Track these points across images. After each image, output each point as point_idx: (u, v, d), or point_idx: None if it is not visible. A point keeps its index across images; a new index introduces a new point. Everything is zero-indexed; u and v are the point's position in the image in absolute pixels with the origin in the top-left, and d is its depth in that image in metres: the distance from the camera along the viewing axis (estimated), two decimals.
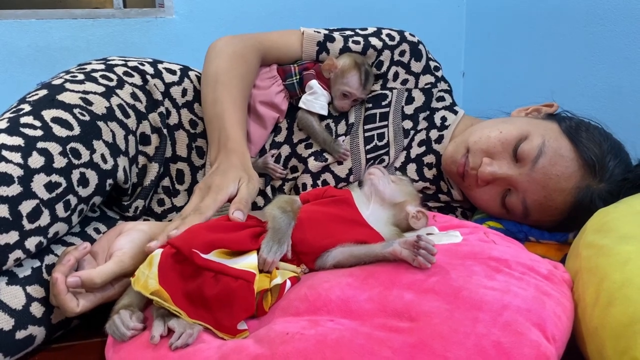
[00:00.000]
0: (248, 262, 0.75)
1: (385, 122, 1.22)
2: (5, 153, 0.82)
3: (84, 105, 0.95)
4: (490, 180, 1.10)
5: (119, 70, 1.08)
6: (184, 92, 1.15)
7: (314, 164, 1.19)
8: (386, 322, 0.67)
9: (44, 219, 0.83)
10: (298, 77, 1.20)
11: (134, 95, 1.06)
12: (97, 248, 0.87)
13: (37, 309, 0.83)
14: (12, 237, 0.79)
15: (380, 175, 0.93)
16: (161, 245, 0.78)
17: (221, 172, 0.94)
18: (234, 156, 0.98)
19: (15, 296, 0.81)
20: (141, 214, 1.10)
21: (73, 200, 0.88)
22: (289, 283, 0.78)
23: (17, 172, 0.81)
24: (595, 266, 0.77)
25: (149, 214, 1.13)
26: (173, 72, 1.16)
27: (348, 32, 1.25)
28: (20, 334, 0.80)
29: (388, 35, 1.25)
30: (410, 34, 1.27)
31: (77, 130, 0.91)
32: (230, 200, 0.91)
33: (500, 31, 2.16)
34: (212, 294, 0.71)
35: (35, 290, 0.83)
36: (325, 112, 1.20)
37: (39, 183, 0.83)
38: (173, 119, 1.13)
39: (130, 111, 1.03)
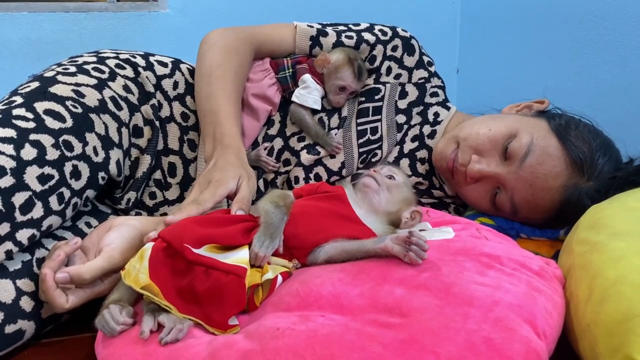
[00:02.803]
0: (239, 257, 0.75)
1: (379, 116, 1.22)
2: None
3: (76, 97, 0.95)
4: (478, 177, 1.11)
5: (111, 63, 1.07)
6: (176, 85, 1.15)
7: (306, 157, 1.18)
8: (377, 318, 0.67)
9: (37, 212, 0.83)
10: (291, 70, 1.20)
11: (126, 88, 1.05)
12: (87, 243, 0.87)
13: (26, 303, 0.82)
14: (4, 228, 0.79)
15: (375, 189, 0.91)
16: (153, 239, 0.78)
17: (220, 168, 0.94)
18: (230, 152, 0.98)
19: (5, 290, 0.80)
20: (133, 206, 1.10)
21: (66, 193, 0.88)
22: (280, 278, 0.78)
23: (9, 164, 0.81)
24: (589, 262, 0.77)
25: (141, 207, 1.13)
26: (164, 65, 1.15)
27: (341, 27, 1.25)
28: (9, 328, 0.79)
29: (380, 30, 1.25)
30: (402, 30, 1.27)
31: (69, 123, 0.91)
32: (228, 196, 0.91)
33: (495, 28, 2.16)
34: (203, 288, 0.71)
35: (25, 284, 0.83)
36: (318, 107, 1.20)
37: (31, 175, 0.82)
38: (165, 112, 1.12)
39: (122, 103, 1.03)
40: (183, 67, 1.18)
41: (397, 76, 1.26)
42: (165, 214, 1.11)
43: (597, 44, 1.62)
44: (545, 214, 1.08)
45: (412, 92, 1.26)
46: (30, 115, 0.87)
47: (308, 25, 1.23)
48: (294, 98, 1.19)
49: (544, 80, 1.82)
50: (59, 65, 1.04)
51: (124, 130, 1.02)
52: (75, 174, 0.90)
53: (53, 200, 0.85)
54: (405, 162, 1.25)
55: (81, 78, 0.99)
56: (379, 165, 0.96)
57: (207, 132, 1.05)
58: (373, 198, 0.89)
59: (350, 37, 1.22)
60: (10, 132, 0.84)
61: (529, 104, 1.22)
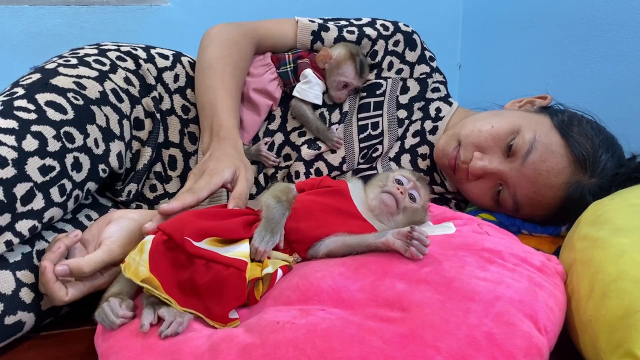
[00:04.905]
0: (240, 251, 0.75)
1: (380, 111, 1.22)
2: None
3: (78, 89, 0.95)
4: (481, 174, 1.10)
5: (112, 55, 1.07)
6: (176, 78, 1.15)
7: (307, 152, 1.18)
8: (377, 312, 0.67)
9: (38, 203, 0.83)
10: (292, 65, 1.20)
11: (127, 80, 1.05)
12: (87, 236, 0.87)
13: (26, 295, 0.82)
14: (5, 219, 0.79)
15: (392, 211, 0.86)
16: (154, 231, 0.77)
17: (215, 158, 0.94)
18: (226, 143, 0.98)
19: (5, 281, 0.81)
20: (134, 198, 1.10)
21: (68, 185, 0.88)
22: (280, 272, 0.78)
23: (11, 154, 0.81)
24: (590, 258, 0.77)
25: (141, 200, 1.13)
26: (166, 57, 1.15)
27: (343, 22, 1.25)
28: (9, 320, 0.80)
29: (382, 25, 1.25)
30: (404, 24, 1.27)
31: (71, 115, 0.91)
32: (224, 186, 0.90)
33: (497, 24, 2.16)
34: (203, 282, 0.71)
35: (25, 276, 0.83)
36: (319, 102, 1.20)
37: (33, 166, 0.83)
38: (165, 105, 1.12)
39: (123, 96, 1.03)
40: (184, 60, 1.18)
41: (399, 71, 1.25)
42: None
43: (599, 40, 1.62)
44: (548, 211, 1.07)
45: (414, 87, 1.25)
46: (31, 107, 0.87)
47: (309, 20, 1.23)
48: (295, 93, 1.19)
49: (546, 76, 1.82)
50: (60, 57, 1.04)
51: (125, 122, 1.02)
52: (77, 165, 0.89)
53: (54, 192, 0.85)
54: (406, 157, 1.25)
55: (82, 70, 0.99)
56: (408, 181, 0.90)
57: (205, 124, 1.05)
58: (384, 219, 0.86)
59: (352, 32, 1.22)
60: (11, 123, 0.83)
61: (532, 99, 1.22)
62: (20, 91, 0.90)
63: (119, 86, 1.03)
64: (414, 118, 1.26)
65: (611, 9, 1.58)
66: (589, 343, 0.70)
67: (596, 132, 1.06)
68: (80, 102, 0.93)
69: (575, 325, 0.74)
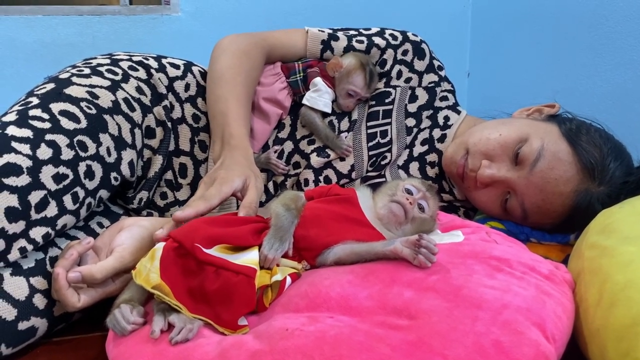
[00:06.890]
0: (249, 258, 0.75)
1: (389, 120, 1.22)
2: (14, 144, 0.83)
3: (91, 98, 0.96)
4: (489, 183, 1.10)
5: (124, 65, 1.08)
6: (187, 87, 1.16)
7: (316, 160, 1.19)
8: (385, 320, 0.67)
9: (51, 210, 0.84)
10: (302, 74, 1.21)
11: (139, 89, 1.07)
12: (99, 243, 0.87)
13: (39, 301, 0.83)
14: (20, 226, 0.80)
15: (400, 221, 0.86)
16: (164, 238, 0.78)
17: (226, 166, 0.95)
18: (237, 152, 0.99)
19: (18, 287, 0.81)
20: (145, 206, 1.11)
21: (81, 192, 0.89)
22: (289, 279, 0.78)
23: (26, 163, 0.82)
24: (598, 267, 0.77)
25: (152, 207, 1.14)
26: (177, 67, 1.16)
27: (352, 32, 1.26)
28: (22, 325, 0.81)
29: (391, 35, 1.26)
30: (412, 34, 1.27)
31: (84, 124, 0.92)
32: (234, 194, 0.91)
33: (506, 32, 2.17)
34: (213, 288, 0.71)
35: (39, 282, 0.84)
36: (328, 110, 1.21)
37: (47, 174, 0.84)
38: (176, 113, 1.14)
39: (135, 105, 1.04)
40: (195, 69, 1.19)
41: (408, 80, 1.26)
42: None
43: (608, 47, 1.62)
44: (556, 219, 1.07)
45: (422, 96, 1.26)
46: (46, 116, 0.89)
47: (319, 30, 1.24)
48: (304, 101, 1.20)
49: (554, 84, 1.82)
50: (74, 67, 1.06)
51: (137, 131, 1.03)
52: (89, 174, 0.91)
53: (67, 200, 0.86)
54: (414, 165, 1.25)
55: (95, 80, 1.01)
56: (418, 191, 0.90)
57: (216, 133, 1.06)
58: (392, 228, 0.86)
59: (361, 42, 1.23)
60: (26, 132, 0.85)
61: (540, 107, 1.22)
62: (35, 100, 0.92)
63: (130, 95, 1.04)
64: (422, 126, 1.26)
65: (621, 17, 1.59)
66: (597, 352, 0.69)
67: (604, 140, 1.06)
68: (93, 111, 0.95)
69: (583, 334, 0.74)
